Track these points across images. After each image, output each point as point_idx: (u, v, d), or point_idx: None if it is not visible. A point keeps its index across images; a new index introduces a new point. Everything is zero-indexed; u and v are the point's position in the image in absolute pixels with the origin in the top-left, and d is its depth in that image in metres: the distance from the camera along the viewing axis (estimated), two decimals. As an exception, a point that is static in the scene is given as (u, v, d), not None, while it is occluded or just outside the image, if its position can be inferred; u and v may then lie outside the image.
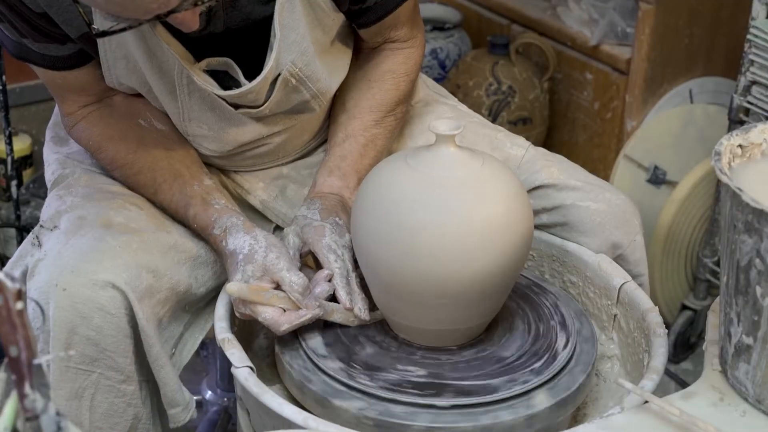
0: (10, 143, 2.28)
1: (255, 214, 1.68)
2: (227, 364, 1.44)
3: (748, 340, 1.25)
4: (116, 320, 1.41)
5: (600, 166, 2.64)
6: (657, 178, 2.53)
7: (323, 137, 1.73)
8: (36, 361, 0.88)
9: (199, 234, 1.54)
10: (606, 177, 2.51)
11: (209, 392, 2.16)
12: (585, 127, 2.73)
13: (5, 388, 0.93)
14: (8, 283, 0.88)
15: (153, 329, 1.46)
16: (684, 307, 2.43)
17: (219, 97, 1.50)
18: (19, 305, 0.88)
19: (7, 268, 1.52)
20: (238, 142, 1.58)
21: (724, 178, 1.21)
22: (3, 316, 0.88)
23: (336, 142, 1.63)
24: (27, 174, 2.59)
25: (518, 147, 1.70)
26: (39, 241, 1.48)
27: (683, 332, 2.42)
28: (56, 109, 1.72)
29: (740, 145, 1.31)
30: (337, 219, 1.52)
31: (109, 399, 1.45)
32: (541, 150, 1.72)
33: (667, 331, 1.49)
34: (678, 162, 2.50)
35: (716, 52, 2.62)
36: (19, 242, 2.37)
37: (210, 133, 1.56)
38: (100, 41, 1.46)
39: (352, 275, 1.47)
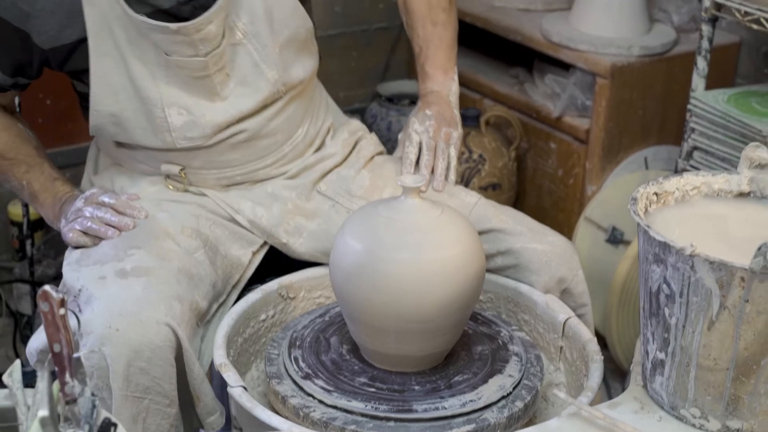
0: (26, 205, 2.52)
1: (242, 235, 1.92)
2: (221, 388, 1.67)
3: (661, 356, 1.47)
4: (162, 351, 1.64)
5: (565, 228, 2.83)
6: (615, 238, 2.73)
7: (303, 153, 1.97)
8: (75, 355, 1.12)
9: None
10: (569, 237, 2.71)
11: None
12: (551, 192, 2.93)
13: (49, 379, 1.15)
14: (53, 294, 1.11)
15: (191, 349, 1.69)
16: (640, 355, 2.63)
17: (175, 29, 1.72)
18: (62, 311, 1.12)
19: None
20: (216, 124, 1.82)
21: (636, 218, 1.45)
22: (49, 320, 1.12)
23: (416, 53, 2.04)
24: (38, 236, 2.79)
25: (471, 196, 1.95)
26: (79, 308, 1.70)
27: (639, 377, 2.61)
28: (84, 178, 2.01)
29: (656, 193, 1.55)
30: (426, 111, 1.95)
31: (157, 421, 1.68)
32: (491, 201, 1.96)
33: (603, 357, 1.71)
34: (634, 223, 2.69)
35: (668, 123, 2.83)
36: (33, 297, 2.60)
37: (189, 117, 1.80)
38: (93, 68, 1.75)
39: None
